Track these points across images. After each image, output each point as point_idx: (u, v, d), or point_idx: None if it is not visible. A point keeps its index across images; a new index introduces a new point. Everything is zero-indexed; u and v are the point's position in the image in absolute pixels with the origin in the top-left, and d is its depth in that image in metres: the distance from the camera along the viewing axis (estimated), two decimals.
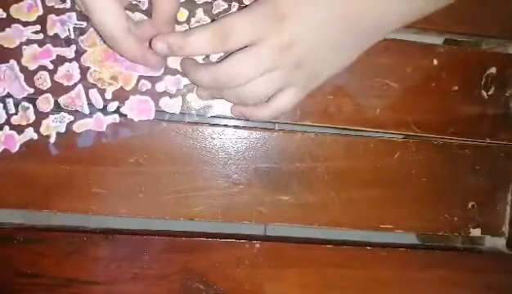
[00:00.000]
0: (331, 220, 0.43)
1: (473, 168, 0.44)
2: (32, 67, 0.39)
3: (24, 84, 0.39)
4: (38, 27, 0.39)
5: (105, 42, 0.35)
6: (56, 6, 0.39)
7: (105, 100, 0.40)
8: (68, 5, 0.39)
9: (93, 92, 0.39)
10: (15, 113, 0.39)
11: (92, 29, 0.39)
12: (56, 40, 0.39)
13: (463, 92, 0.44)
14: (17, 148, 0.39)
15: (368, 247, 0.44)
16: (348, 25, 0.34)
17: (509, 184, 0.45)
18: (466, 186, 0.44)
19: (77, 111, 0.39)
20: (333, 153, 0.43)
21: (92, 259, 0.41)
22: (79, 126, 0.40)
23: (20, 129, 0.39)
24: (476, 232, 0.45)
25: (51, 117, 0.39)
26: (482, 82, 0.44)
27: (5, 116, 0.39)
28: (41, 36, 0.39)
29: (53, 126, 0.39)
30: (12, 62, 0.39)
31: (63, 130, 0.39)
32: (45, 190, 0.40)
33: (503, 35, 0.45)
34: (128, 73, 0.39)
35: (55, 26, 0.39)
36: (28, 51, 0.39)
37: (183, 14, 0.40)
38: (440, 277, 0.44)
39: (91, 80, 0.39)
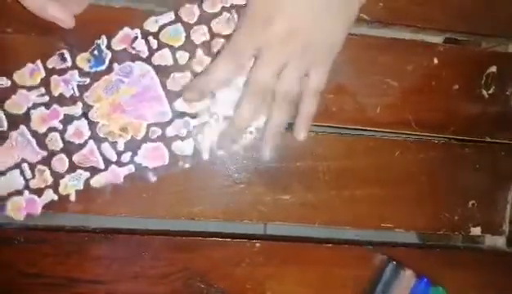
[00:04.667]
0: (332, 219, 0.43)
1: (474, 167, 0.44)
2: (42, 130, 0.39)
3: (36, 148, 0.39)
4: (43, 90, 0.39)
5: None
6: (58, 67, 0.39)
7: (117, 152, 0.39)
8: (69, 63, 0.39)
9: (105, 146, 0.39)
10: (33, 177, 0.39)
11: (95, 85, 0.39)
12: (61, 100, 0.39)
13: (463, 91, 0.44)
14: (39, 210, 0.39)
15: (369, 246, 0.44)
16: None
17: (509, 183, 0.45)
18: (466, 185, 0.44)
19: (92, 167, 0.39)
20: (333, 152, 0.43)
21: (94, 258, 0.41)
22: (97, 181, 0.39)
23: (39, 192, 0.39)
24: (476, 230, 0.45)
25: (68, 176, 0.39)
26: (483, 81, 0.44)
27: (23, 181, 0.39)
28: (46, 98, 0.39)
29: (71, 185, 0.39)
30: (22, 128, 0.38)
31: (81, 187, 0.39)
32: None
33: (503, 34, 0.45)
34: (137, 122, 0.39)
35: (59, 86, 0.39)
36: (36, 114, 0.38)
37: (184, 57, 0.40)
38: (441, 275, 0.44)
39: (101, 134, 0.39)
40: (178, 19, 0.39)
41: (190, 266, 0.42)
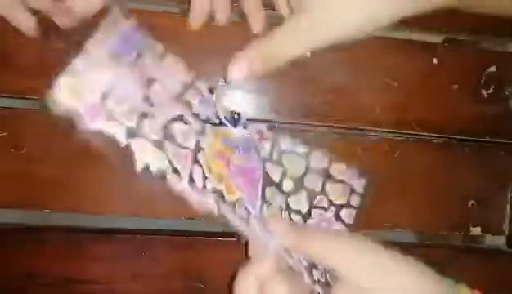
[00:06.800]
0: None
1: (473, 167, 0.44)
2: (164, 119, 0.38)
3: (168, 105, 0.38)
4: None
5: None
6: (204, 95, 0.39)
7: (204, 184, 0.38)
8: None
9: (197, 169, 0.38)
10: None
11: (221, 127, 0.39)
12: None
13: (463, 91, 0.44)
14: (95, 127, 0.36)
15: None
16: None
17: (508, 183, 0.45)
18: (466, 185, 0.45)
19: (176, 168, 0.38)
20: (333, 152, 0.43)
21: (92, 258, 0.41)
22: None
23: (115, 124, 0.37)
24: (476, 230, 0.45)
25: (155, 151, 0.38)
26: (482, 81, 0.44)
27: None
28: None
29: (147, 159, 0.38)
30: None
31: (153, 169, 0.38)
32: (45, 190, 0.40)
33: (502, 34, 0.45)
34: (231, 183, 0.39)
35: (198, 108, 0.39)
36: (176, 127, 0.38)
37: (288, 185, 0.40)
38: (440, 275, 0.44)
39: (200, 160, 0.39)
40: (307, 155, 0.40)
41: (189, 266, 0.42)
